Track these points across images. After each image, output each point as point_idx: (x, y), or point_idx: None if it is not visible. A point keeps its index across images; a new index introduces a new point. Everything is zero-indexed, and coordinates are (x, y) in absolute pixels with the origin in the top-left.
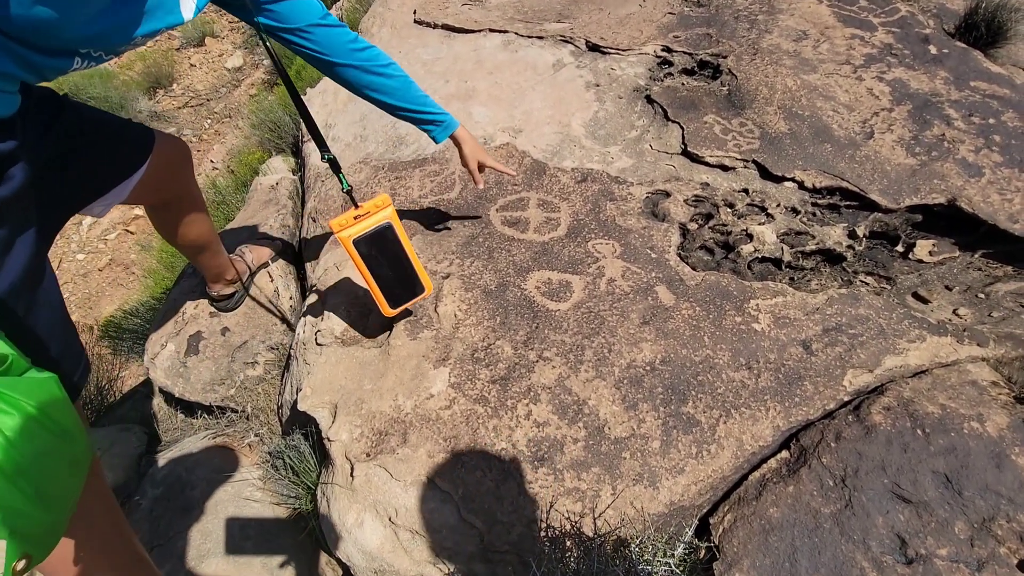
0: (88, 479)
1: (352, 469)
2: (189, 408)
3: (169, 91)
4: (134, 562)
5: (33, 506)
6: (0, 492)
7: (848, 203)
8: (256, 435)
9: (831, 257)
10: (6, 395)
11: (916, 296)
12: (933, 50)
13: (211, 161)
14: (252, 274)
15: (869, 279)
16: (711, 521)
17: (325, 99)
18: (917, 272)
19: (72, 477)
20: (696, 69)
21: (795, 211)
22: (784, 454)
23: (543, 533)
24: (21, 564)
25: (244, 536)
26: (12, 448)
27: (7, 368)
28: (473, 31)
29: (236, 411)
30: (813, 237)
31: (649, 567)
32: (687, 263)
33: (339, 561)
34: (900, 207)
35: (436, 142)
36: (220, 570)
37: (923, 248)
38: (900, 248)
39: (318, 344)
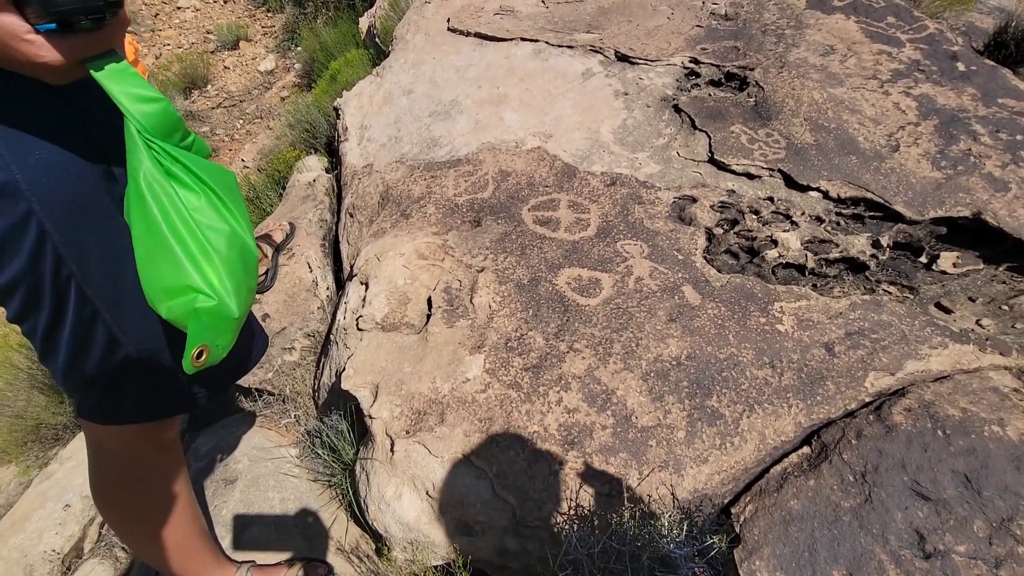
0: (173, 458)
1: (392, 445)
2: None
3: (204, 92)
4: (202, 532)
5: (216, 292)
6: (187, 271)
7: (872, 214)
8: (294, 416)
9: (854, 266)
10: (193, 172)
11: (939, 306)
12: (961, 67)
13: (242, 160)
14: (276, 253)
15: (892, 288)
16: (733, 511)
17: (361, 102)
18: (940, 283)
19: (247, 278)
20: (723, 81)
21: (819, 220)
22: (805, 450)
23: (573, 511)
24: (201, 357)
25: (284, 508)
26: (199, 227)
27: (191, 144)
28: (505, 39)
29: (273, 394)
30: (837, 245)
31: (673, 545)
32: (713, 265)
33: (373, 533)
34: (924, 219)
35: None
36: (261, 537)
37: (947, 260)
38: (924, 259)
39: (359, 329)
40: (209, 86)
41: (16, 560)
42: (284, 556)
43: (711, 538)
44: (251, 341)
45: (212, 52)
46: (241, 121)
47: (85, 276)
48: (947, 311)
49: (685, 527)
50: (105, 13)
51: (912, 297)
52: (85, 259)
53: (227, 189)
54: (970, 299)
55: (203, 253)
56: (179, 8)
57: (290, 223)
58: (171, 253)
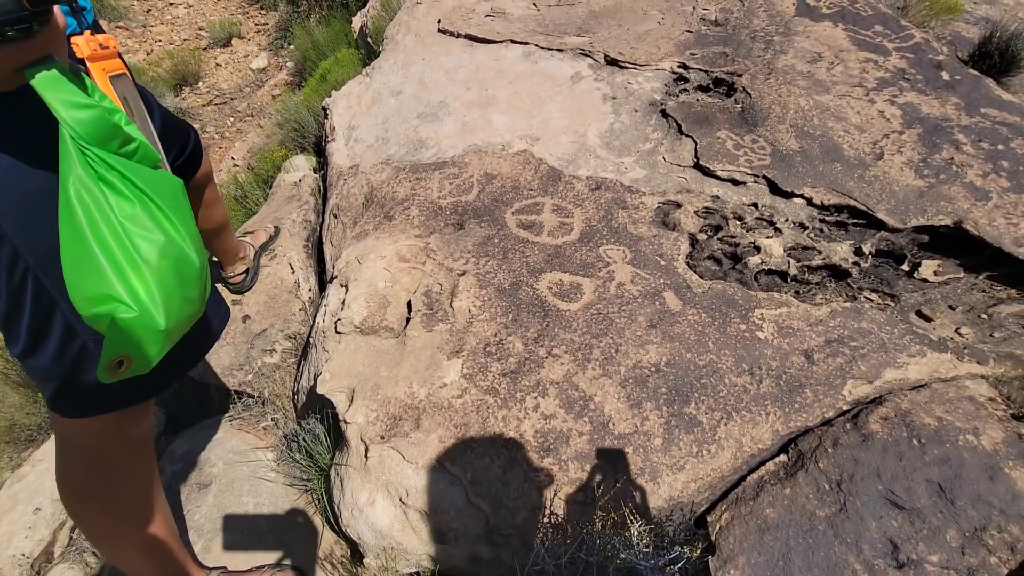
0: (143, 456)
1: (366, 450)
2: (207, 391)
3: (195, 89)
4: (172, 535)
5: (141, 303)
6: (109, 280)
7: (855, 221)
8: (272, 419)
9: (837, 273)
10: (129, 180)
11: (919, 314)
12: (946, 76)
13: (232, 158)
14: (258, 253)
15: (874, 296)
16: (709, 519)
17: (349, 102)
18: (921, 291)
19: (183, 289)
20: (711, 86)
21: (803, 226)
22: (782, 458)
23: (546, 519)
24: (120, 367)
25: (258, 513)
26: (129, 236)
27: (134, 152)
28: (495, 42)
29: (252, 396)
30: (820, 252)
31: (640, 556)
32: (695, 271)
33: (347, 539)
34: (907, 227)
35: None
36: (235, 543)
37: (928, 268)
38: (905, 267)
39: (337, 332)
40: (200, 83)
41: None
42: (257, 562)
43: (680, 548)
44: (207, 330)
45: (204, 49)
46: (232, 119)
47: (43, 268)
48: (927, 319)
49: (653, 539)
50: (31, 22)
51: (893, 305)
52: (45, 251)
53: (168, 198)
54: (950, 307)
55: (130, 263)
56: (171, 4)
57: (275, 226)
58: (95, 262)
